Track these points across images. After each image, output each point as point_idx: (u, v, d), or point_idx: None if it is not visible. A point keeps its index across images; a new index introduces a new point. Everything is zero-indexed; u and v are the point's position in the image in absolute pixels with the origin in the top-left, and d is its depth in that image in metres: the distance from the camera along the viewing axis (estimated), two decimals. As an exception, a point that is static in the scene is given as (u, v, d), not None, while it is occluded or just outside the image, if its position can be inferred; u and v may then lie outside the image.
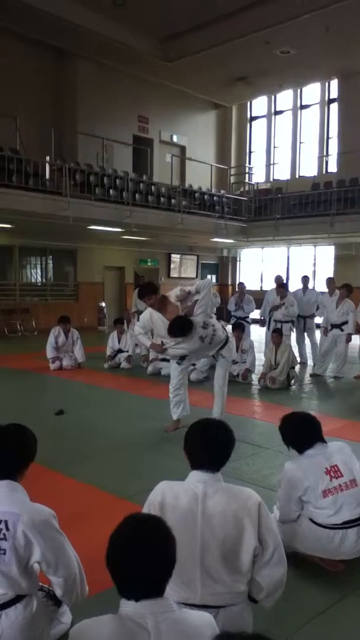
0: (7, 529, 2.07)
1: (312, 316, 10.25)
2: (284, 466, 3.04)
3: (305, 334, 10.29)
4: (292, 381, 8.22)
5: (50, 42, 14.74)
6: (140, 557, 1.46)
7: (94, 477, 4.29)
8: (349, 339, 8.81)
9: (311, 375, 9.07)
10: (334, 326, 8.93)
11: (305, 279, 10.49)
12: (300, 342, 10.34)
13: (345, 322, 8.79)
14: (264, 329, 10.68)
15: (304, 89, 19.12)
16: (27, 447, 2.29)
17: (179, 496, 2.17)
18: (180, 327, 5.10)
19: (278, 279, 10.74)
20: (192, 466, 2.26)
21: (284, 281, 10.80)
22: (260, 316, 10.68)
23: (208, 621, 1.57)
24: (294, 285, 12.99)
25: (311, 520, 2.89)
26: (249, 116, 20.97)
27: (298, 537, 2.92)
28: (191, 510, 2.13)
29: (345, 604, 2.66)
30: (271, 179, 20.06)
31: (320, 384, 8.58)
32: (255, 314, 11.89)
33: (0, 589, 2.07)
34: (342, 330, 8.83)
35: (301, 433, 3.03)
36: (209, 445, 2.22)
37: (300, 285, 10.47)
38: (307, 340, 10.37)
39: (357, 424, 6.15)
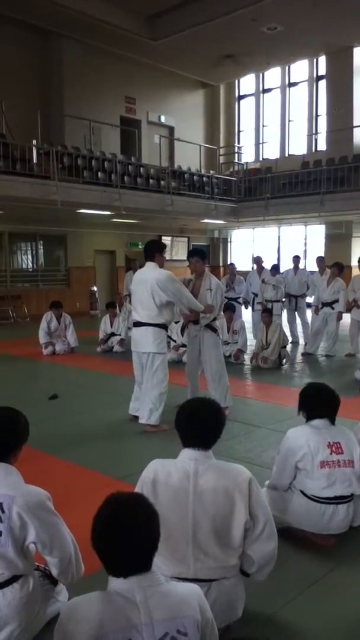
0: (2, 511, 2.10)
1: (303, 296, 10.31)
2: (286, 433, 3.09)
3: (296, 313, 10.36)
4: (284, 360, 8.28)
5: (34, 22, 14.46)
6: (124, 538, 1.48)
7: (89, 459, 4.33)
8: (339, 318, 8.87)
9: (303, 354, 9.14)
10: (325, 305, 8.97)
11: (296, 259, 10.52)
12: (291, 321, 10.42)
13: (336, 301, 8.84)
14: (249, 311, 10.86)
15: (292, 67, 18.94)
16: (19, 430, 2.32)
17: (170, 474, 2.21)
18: (200, 249, 5.85)
19: (257, 260, 10.85)
20: (183, 444, 2.30)
21: (263, 260, 10.82)
22: (243, 298, 10.75)
23: (195, 591, 1.61)
24: (286, 265, 13.01)
25: (302, 493, 2.94)
26: (237, 95, 20.78)
27: (289, 511, 2.98)
28: (183, 487, 2.17)
29: (336, 575, 2.73)
30: (261, 159, 19.94)
31: (311, 362, 8.65)
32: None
33: None
34: (333, 308, 8.88)
35: (317, 401, 3.08)
36: (199, 424, 2.25)
37: (291, 265, 10.51)
38: (298, 320, 10.43)
39: (348, 400, 6.20)
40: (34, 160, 12.28)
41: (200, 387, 5.76)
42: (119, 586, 1.50)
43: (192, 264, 5.52)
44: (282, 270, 11.02)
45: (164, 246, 5.48)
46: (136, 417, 5.31)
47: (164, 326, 5.18)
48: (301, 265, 10.68)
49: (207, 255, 5.76)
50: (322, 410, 3.05)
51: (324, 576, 2.70)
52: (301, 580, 2.66)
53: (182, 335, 7.82)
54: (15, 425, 2.31)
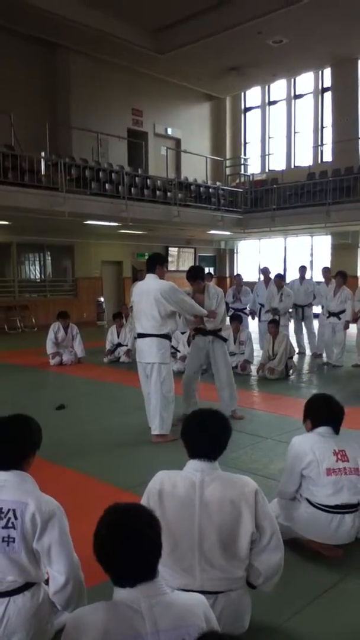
0: (16, 517, 2.11)
1: (310, 305, 10.30)
2: (291, 440, 3.10)
3: (303, 323, 10.33)
4: (291, 371, 8.26)
5: (42, 36, 14.69)
6: (125, 544, 1.50)
7: (96, 469, 4.34)
8: (346, 327, 8.87)
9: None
10: (332, 314, 8.98)
11: (302, 269, 10.53)
12: (298, 331, 10.39)
13: (344, 311, 8.84)
14: (256, 321, 10.83)
15: (298, 79, 19.08)
16: (33, 437, 2.34)
17: (176, 484, 2.21)
18: (200, 268, 5.96)
19: (265, 271, 10.85)
20: (189, 455, 2.31)
21: (270, 271, 10.86)
22: (250, 308, 10.76)
23: (200, 600, 1.62)
24: (292, 275, 13.02)
25: (308, 501, 2.94)
26: (243, 107, 20.92)
27: (296, 519, 2.98)
28: (189, 498, 2.18)
29: (344, 586, 2.71)
30: (267, 170, 20.04)
31: (318, 373, 8.63)
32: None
33: (10, 576, 2.12)
34: (339, 319, 8.88)
35: (321, 409, 3.11)
36: (205, 435, 2.26)
37: (298, 276, 10.51)
38: (304, 330, 10.41)
39: (355, 410, 6.19)
40: (42, 172, 12.39)
41: (202, 398, 5.79)
42: (124, 596, 1.51)
43: (197, 284, 5.63)
44: (287, 280, 11.01)
45: (165, 259, 5.65)
46: None
47: (167, 336, 5.21)
48: (307, 276, 10.67)
49: (203, 269, 6.00)
50: (326, 419, 3.08)
51: (333, 586, 2.69)
52: (310, 591, 2.65)
53: (189, 345, 7.84)
54: (28, 432, 2.33)
